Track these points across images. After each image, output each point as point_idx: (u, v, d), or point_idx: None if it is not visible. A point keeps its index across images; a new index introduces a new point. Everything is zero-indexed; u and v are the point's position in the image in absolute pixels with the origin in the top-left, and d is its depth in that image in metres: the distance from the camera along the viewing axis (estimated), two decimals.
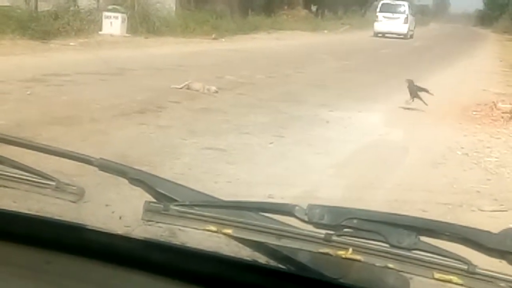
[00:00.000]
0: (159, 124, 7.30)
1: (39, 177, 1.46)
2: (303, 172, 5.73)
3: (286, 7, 36.74)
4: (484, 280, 1.11)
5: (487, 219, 4.58)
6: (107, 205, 3.85)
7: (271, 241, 1.22)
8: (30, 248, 1.25)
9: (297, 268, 1.23)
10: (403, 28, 33.54)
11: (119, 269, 1.19)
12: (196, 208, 1.29)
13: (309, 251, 1.19)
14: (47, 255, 1.23)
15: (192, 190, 1.43)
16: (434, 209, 4.59)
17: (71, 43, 16.42)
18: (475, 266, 1.11)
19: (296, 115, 8.53)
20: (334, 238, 1.17)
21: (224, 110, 8.58)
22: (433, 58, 20.02)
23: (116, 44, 17.37)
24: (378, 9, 35.10)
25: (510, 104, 9.80)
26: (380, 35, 32.74)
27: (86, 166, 1.49)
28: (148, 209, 1.31)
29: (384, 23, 33.61)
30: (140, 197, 1.39)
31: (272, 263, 1.25)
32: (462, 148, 7.10)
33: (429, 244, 1.15)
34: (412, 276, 1.16)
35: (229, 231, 1.24)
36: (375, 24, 34.12)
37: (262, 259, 1.26)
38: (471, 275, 1.11)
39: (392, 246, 1.15)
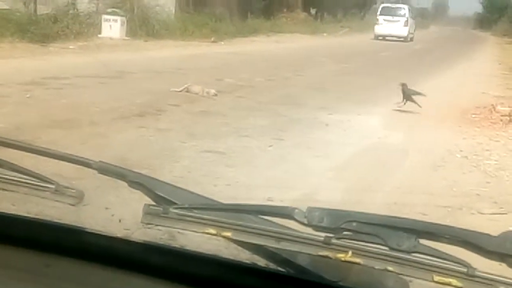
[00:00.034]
0: (158, 127, 7.30)
1: (38, 180, 1.46)
2: (303, 175, 5.73)
3: (285, 10, 36.77)
4: (484, 283, 1.11)
5: (486, 222, 4.58)
6: (106, 208, 3.84)
7: (271, 244, 1.22)
8: (30, 251, 1.24)
9: (296, 271, 1.23)
10: (404, 31, 33.81)
11: (118, 272, 1.19)
12: (196, 211, 1.29)
13: (309, 254, 1.19)
14: (47, 258, 1.23)
15: (192, 193, 1.43)
16: (433, 212, 4.58)
17: (70, 46, 16.42)
18: (475, 269, 1.11)
19: (296, 118, 8.53)
20: (334, 241, 1.17)
21: (223, 113, 8.59)
22: (432, 61, 20.03)
23: (115, 47, 17.37)
24: (378, 12, 35.42)
25: (509, 107, 9.80)
26: (380, 38, 32.94)
27: (86, 169, 1.49)
28: (148, 212, 1.31)
29: (385, 26, 33.90)
30: (139, 200, 1.39)
31: (272, 266, 1.25)
32: (462, 151, 7.10)
33: (428, 247, 1.15)
34: (412, 279, 1.16)
35: (228, 234, 1.24)
36: (376, 27, 34.36)
37: (261, 262, 1.26)
38: (470, 278, 1.11)
39: (392, 249, 1.15)
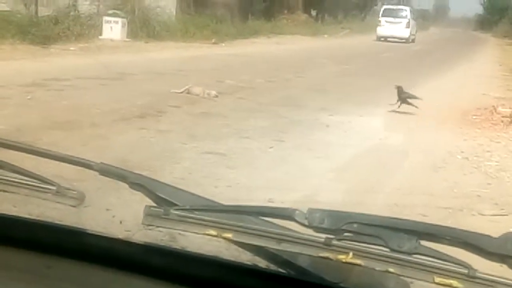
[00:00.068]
0: (159, 129, 7.30)
1: (39, 182, 1.46)
2: (303, 177, 5.73)
3: (286, 12, 36.77)
4: (485, 284, 1.11)
5: (487, 223, 4.58)
6: (107, 210, 3.84)
7: (271, 245, 1.22)
8: (31, 252, 1.25)
9: (297, 272, 1.23)
10: (405, 33, 34.10)
11: (119, 274, 1.19)
12: (196, 212, 1.29)
13: (309, 255, 1.19)
14: (48, 259, 1.23)
15: (192, 194, 1.44)
16: (434, 213, 4.58)
17: (71, 48, 16.43)
18: (476, 270, 1.11)
19: (296, 120, 8.53)
20: (334, 242, 1.17)
21: (224, 114, 8.59)
22: (433, 63, 20.03)
23: (116, 49, 17.38)
24: (380, 14, 35.88)
25: (510, 108, 9.80)
26: (382, 39, 33.14)
27: (87, 170, 1.49)
28: (149, 214, 1.31)
29: (387, 27, 34.21)
30: (140, 202, 1.39)
31: (272, 267, 1.25)
32: (462, 152, 7.10)
33: (429, 248, 1.15)
34: (413, 280, 1.16)
35: (229, 235, 1.24)
36: (378, 28, 34.65)
37: (262, 263, 1.26)
38: (471, 279, 1.11)
39: (393, 250, 1.15)
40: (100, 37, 19.04)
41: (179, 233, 1.35)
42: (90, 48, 16.92)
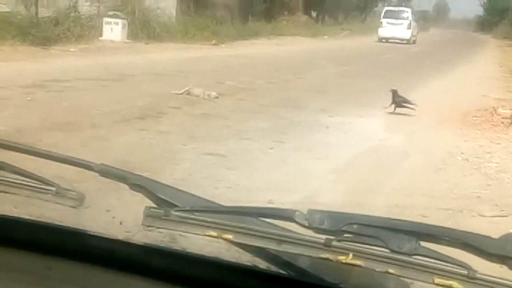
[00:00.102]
0: (159, 130, 7.30)
1: (39, 183, 1.46)
2: (303, 178, 5.73)
3: (286, 13, 36.81)
4: (485, 285, 1.11)
5: (487, 225, 4.58)
6: (107, 211, 3.84)
7: (272, 246, 1.22)
8: (31, 253, 1.25)
9: (297, 273, 1.23)
10: (406, 34, 34.55)
11: (119, 275, 1.19)
12: (197, 213, 1.29)
13: (310, 256, 1.19)
14: (48, 260, 1.23)
15: (193, 195, 1.44)
16: (434, 214, 4.59)
17: (71, 49, 16.44)
18: (476, 271, 1.11)
19: (296, 121, 8.53)
20: (334, 243, 1.17)
21: (224, 115, 8.59)
22: (433, 64, 20.03)
23: (116, 50, 17.39)
24: (382, 15, 36.37)
25: (510, 109, 9.81)
26: (384, 40, 33.50)
27: (87, 171, 1.49)
28: (149, 215, 1.31)
29: (388, 28, 34.67)
30: (140, 203, 1.40)
31: (273, 268, 1.25)
32: (463, 153, 7.10)
33: (429, 249, 1.15)
34: (413, 281, 1.16)
35: (229, 236, 1.24)
36: (379, 29, 35.07)
37: (262, 264, 1.26)
38: (471, 280, 1.11)
39: (393, 251, 1.15)
40: (100, 38, 19.06)
41: (180, 234, 1.35)
42: (90, 49, 16.93)
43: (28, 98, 8.70)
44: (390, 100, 9.53)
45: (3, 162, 1.49)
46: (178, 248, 1.37)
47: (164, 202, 1.34)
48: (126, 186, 1.42)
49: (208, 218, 1.26)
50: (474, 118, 9.53)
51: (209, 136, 7.13)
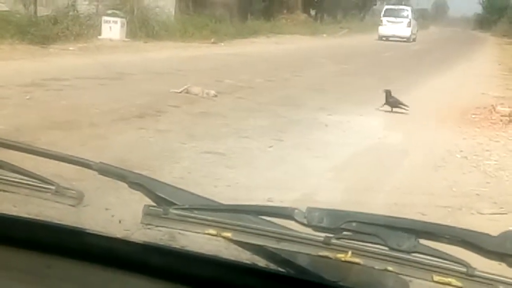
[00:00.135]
0: (158, 129, 7.30)
1: (38, 182, 1.46)
2: (302, 176, 5.73)
3: (285, 12, 36.81)
4: (483, 282, 1.11)
5: (486, 222, 4.58)
6: (106, 209, 3.84)
7: (271, 244, 1.23)
8: (30, 252, 1.25)
9: (296, 271, 1.23)
10: (406, 32, 34.92)
11: (119, 273, 1.19)
12: (196, 211, 1.29)
13: (309, 254, 1.20)
14: (48, 259, 1.23)
15: (192, 193, 1.44)
16: (433, 212, 4.58)
17: (70, 48, 16.43)
18: (474, 268, 1.12)
19: (295, 119, 8.53)
20: (333, 241, 1.18)
21: (223, 114, 8.59)
22: (433, 62, 20.04)
23: (115, 49, 17.38)
24: (382, 14, 36.89)
25: (509, 107, 9.80)
26: (384, 38, 33.81)
27: (86, 170, 1.49)
28: (148, 213, 1.31)
29: (388, 27, 35.08)
30: (139, 201, 1.40)
31: (272, 266, 1.25)
32: (462, 151, 7.10)
33: (428, 247, 1.15)
34: (412, 278, 1.16)
35: (228, 234, 1.24)
36: (380, 28, 35.44)
37: (261, 262, 1.26)
38: (470, 278, 1.11)
39: (392, 249, 1.15)
40: (99, 37, 19.05)
41: (179, 233, 1.35)
42: (89, 48, 16.92)
43: (27, 97, 8.70)
44: (390, 101, 9.55)
45: (2, 161, 1.49)
46: (177, 246, 1.37)
47: (163, 201, 1.34)
48: (125, 185, 1.42)
49: (207, 216, 1.26)
50: (473, 116, 9.53)
51: (208, 135, 7.13)
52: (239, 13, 29.03)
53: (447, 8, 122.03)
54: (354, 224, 1.19)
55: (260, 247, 1.25)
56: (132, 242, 1.27)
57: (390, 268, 1.14)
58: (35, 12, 18.36)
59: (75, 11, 19.45)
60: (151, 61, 15.11)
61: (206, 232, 1.25)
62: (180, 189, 1.44)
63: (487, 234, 1.16)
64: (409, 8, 37.75)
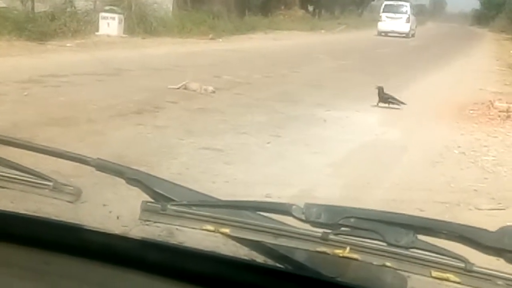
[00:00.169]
0: (156, 125, 7.30)
1: (36, 178, 1.46)
2: (300, 172, 5.74)
3: (283, 7, 36.77)
4: (482, 278, 1.11)
5: (484, 218, 4.59)
6: (104, 205, 3.85)
7: (269, 240, 1.22)
8: (29, 249, 1.24)
9: (294, 267, 1.23)
10: (405, 28, 35.21)
11: (117, 269, 1.19)
12: (194, 207, 1.29)
13: (307, 250, 1.19)
14: (46, 256, 1.23)
15: (190, 189, 1.43)
16: (431, 208, 4.59)
17: (68, 44, 16.40)
18: (473, 264, 1.11)
19: (293, 115, 8.53)
20: (331, 237, 1.17)
21: (221, 110, 8.59)
22: (430, 57, 20.04)
23: (113, 45, 17.35)
24: (381, 10, 37.16)
25: (507, 103, 9.81)
26: (383, 34, 34.07)
27: (83, 166, 1.48)
28: (146, 209, 1.31)
29: (387, 22, 35.37)
30: (137, 197, 1.39)
31: (270, 262, 1.25)
32: (459, 147, 7.11)
33: (426, 242, 1.15)
34: (410, 274, 1.16)
35: (226, 230, 1.24)
36: (379, 23, 35.76)
37: (259, 258, 1.26)
38: (468, 273, 1.11)
39: (390, 244, 1.15)
40: (97, 33, 19.03)
41: (177, 229, 1.35)
42: (87, 44, 16.89)
43: (25, 93, 8.69)
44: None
45: (0, 157, 1.48)
46: (175, 242, 1.37)
47: (161, 197, 1.34)
48: (123, 181, 1.42)
49: (205, 212, 1.26)
50: (471, 112, 9.54)
51: (206, 131, 7.13)
52: (237, 9, 29.00)
53: (444, 4, 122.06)
54: (352, 219, 1.19)
55: (258, 243, 1.25)
56: (130, 238, 1.27)
57: (388, 264, 1.14)
58: (33, 8, 18.32)
59: (73, 7, 19.42)
60: (149, 57, 15.10)
61: (204, 228, 1.25)
62: (178, 185, 1.44)
63: (485, 230, 1.16)
64: (407, 4, 37.88)
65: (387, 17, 35.46)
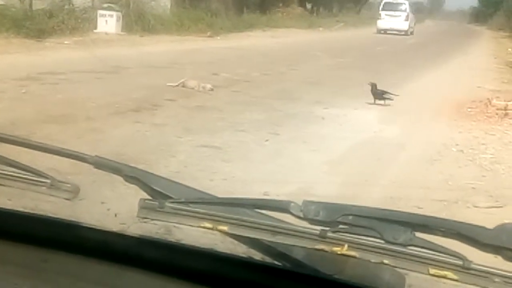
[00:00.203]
0: (154, 122, 7.29)
1: (34, 175, 1.46)
2: (299, 169, 5.74)
3: (281, 5, 36.77)
4: (479, 275, 1.11)
5: (482, 216, 4.59)
6: (102, 203, 3.84)
7: (266, 237, 1.22)
8: (26, 246, 1.24)
9: (292, 264, 1.23)
10: (404, 25, 35.60)
11: (115, 266, 1.19)
12: (191, 205, 1.29)
13: (304, 247, 1.19)
14: (43, 253, 1.23)
15: (187, 187, 1.43)
16: (429, 205, 4.59)
17: (66, 42, 16.38)
18: (470, 261, 1.12)
19: (291, 113, 8.53)
20: (329, 234, 1.17)
21: (219, 107, 8.58)
22: (428, 55, 20.03)
23: (111, 42, 17.34)
24: (380, 8, 37.55)
25: (504, 101, 9.81)
26: (382, 31, 34.36)
27: (81, 164, 1.48)
28: (143, 207, 1.31)
29: (387, 20, 35.75)
30: (135, 195, 1.39)
31: (268, 259, 1.25)
32: (457, 144, 7.11)
33: (424, 240, 1.15)
34: (408, 272, 1.16)
35: (224, 228, 1.24)
36: (378, 21, 36.12)
37: (257, 255, 1.26)
38: (466, 271, 1.11)
39: (388, 242, 1.15)
40: (94, 30, 19.01)
41: (174, 226, 1.35)
42: (84, 42, 16.87)
43: (23, 91, 8.68)
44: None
45: None
46: (173, 239, 1.37)
47: (159, 194, 1.34)
48: (121, 178, 1.42)
49: (203, 210, 1.26)
50: (469, 110, 9.54)
51: (204, 128, 7.12)
52: (235, 7, 29.00)
53: (442, 1, 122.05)
54: (350, 217, 1.19)
55: (256, 241, 1.25)
56: (128, 235, 1.27)
57: (386, 261, 1.14)
58: (31, 6, 18.31)
59: (71, 5, 19.41)
60: (147, 54, 15.08)
61: (202, 225, 1.25)
62: (176, 182, 1.44)
63: (483, 227, 1.16)
64: (406, 2, 38.11)
65: (386, 15, 35.73)
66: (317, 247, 1.17)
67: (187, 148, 6.13)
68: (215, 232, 1.24)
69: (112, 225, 1.44)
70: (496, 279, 1.11)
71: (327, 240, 1.17)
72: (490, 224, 1.17)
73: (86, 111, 7.49)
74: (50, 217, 1.36)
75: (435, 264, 1.12)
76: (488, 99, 10.13)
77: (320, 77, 12.89)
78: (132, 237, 1.25)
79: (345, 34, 31.32)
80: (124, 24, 19.95)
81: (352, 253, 1.15)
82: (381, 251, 1.15)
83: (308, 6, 42.14)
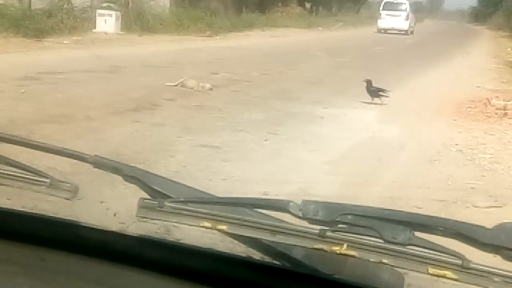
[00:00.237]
0: (153, 122, 7.29)
1: (33, 175, 1.45)
2: (298, 169, 5.74)
3: (280, 4, 36.79)
4: (479, 275, 1.11)
5: (481, 215, 4.59)
6: (101, 202, 3.85)
7: (266, 237, 1.22)
8: (25, 245, 1.24)
9: (291, 264, 1.23)
10: (404, 25, 35.86)
11: (114, 266, 1.19)
12: (191, 204, 1.29)
13: (304, 247, 1.19)
14: (42, 252, 1.23)
15: (187, 186, 1.43)
16: (428, 205, 4.59)
17: (65, 41, 16.38)
18: (470, 261, 1.12)
19: (291, 112, 8.53)
20: (329, 234, 1.17)
21: (218, 107, 8.58)
22: (428, 55, 20.03)
23: (110, 42, 17.34)
24: (381, 7, 37.81)
25: (504, 100, 9.81)
26: (383, 31, 34.67)
27: (81, 163, 1.48)
28: (143, 206, 1.30)
29: (387, 20, 36.07)
30: (134, 194, 1.39)
31: (267, 259, 1.25)
32: (457, 144, 7.11)
33: (423, 239, 1.15)
34: (407, 271, 1.16)
35: (223, 227, 1.24)
36: (378, 21, 36.49)
37: (256, 255, 1.26)
38: (465, 270, 1.11)
39: (387, 241, 1.15)
40: (94, 30, 19.01)
41: (174, 226, 1.35)
42: (84, 41, 16.88)
43: (22, 91, 8.68)
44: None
45: None
46: (172, 239, 1.37)
47: (158, 194, 1.34)
48: (120, 178, 1.42)
49: (202, 209, 1.26)
50: (468, 109, 9.54)
51: (204, 128, 7.12)
52: (234, 6, 28.99)
53: (441, 1, 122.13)
54: (349, 216, 1.19)
55: (255, 240, 1.25)
56: (127, 235, 1.27)
57: (385, 261, 1.14)
58: (30, 5, 18.31)
59: (70, 4, 19.41)
60: (146, 54, 15.08)
61: (201, 225, 1.25)
62: (175, 182, 1.44)
63: (482, 227, 1.16)
64: (406, 2, 38.27)
65: (386, 14, 36.02)
66: (316, 246, 1.17)
67: (187, 148, 6.13)
68: (215, 231, 1.24)
69: (112, 224, 1.44)
70: (496, 279, 1.11)
71: (327, 239, 1.17)
72: (489, 224, 1.17)
73: (85, 110, 7.49)
74: (49, 216, 1.36)
75: (434, 263, 1.12)
76: (487, 99, 10.13)
77: (320, 77, 12.89)
78: (131, 236, 1.25)
79: (345, 34, 31.34)
80: (123, 24, 19.95)
81: (352, 252, 1.15)
82: (381, 250, 1.15)
83: (307, 5, 42.16)
